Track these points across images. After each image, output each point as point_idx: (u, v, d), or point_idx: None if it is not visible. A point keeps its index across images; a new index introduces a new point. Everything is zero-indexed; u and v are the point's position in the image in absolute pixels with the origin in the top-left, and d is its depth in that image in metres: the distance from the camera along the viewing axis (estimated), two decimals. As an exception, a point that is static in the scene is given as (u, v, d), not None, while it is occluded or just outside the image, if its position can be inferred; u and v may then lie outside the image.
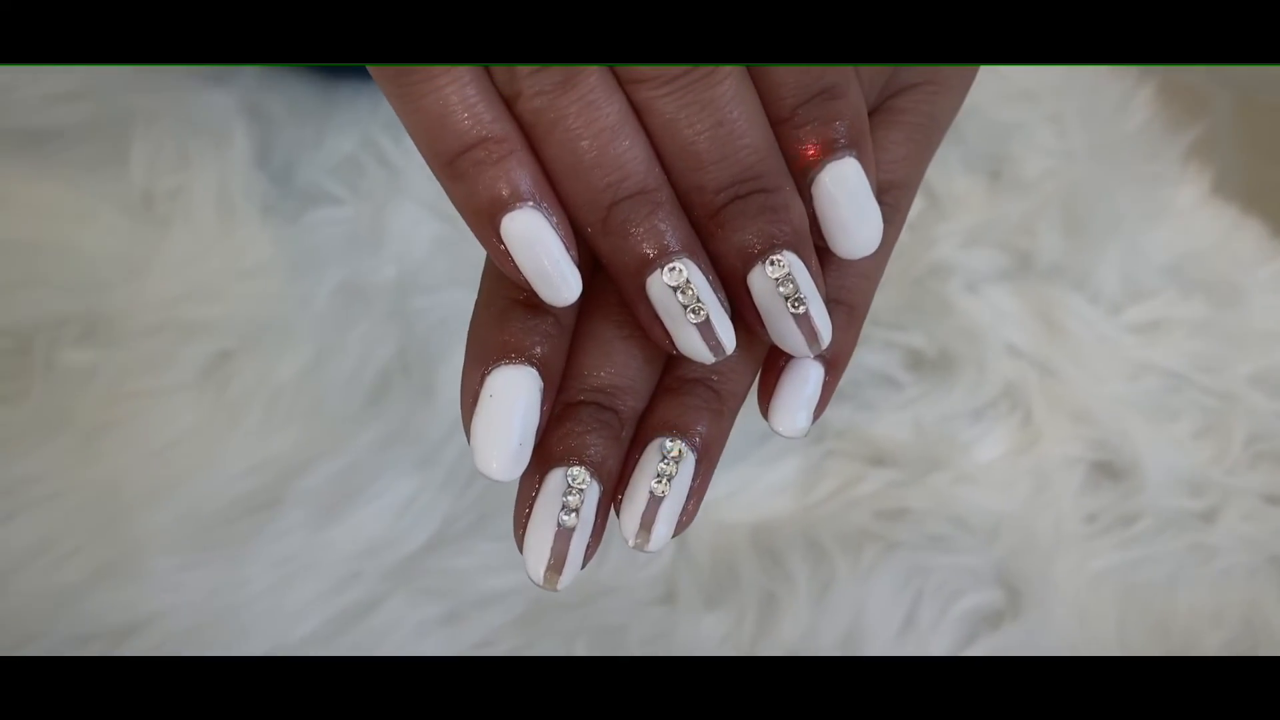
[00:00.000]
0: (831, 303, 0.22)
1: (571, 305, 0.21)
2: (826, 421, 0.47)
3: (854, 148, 0.20)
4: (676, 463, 0.21)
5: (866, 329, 0.50)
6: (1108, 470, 0.47)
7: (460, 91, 0.19)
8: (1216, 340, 0.51)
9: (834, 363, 0.22)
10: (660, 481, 0.21)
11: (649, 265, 0.20)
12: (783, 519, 0.45)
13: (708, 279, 0.20)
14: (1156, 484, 0.46)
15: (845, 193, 0.20)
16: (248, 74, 0.57)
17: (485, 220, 0.19)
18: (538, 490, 0.21)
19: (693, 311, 0.20)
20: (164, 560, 0.42)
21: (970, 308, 0.50)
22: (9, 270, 0.49)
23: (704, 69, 0.19)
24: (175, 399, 0.46)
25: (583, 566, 0.21)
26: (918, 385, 0.49)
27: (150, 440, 0.45)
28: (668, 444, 0.21)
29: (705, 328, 0.20)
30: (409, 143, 0.55)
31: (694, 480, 0.22)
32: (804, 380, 0.22)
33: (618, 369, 0.21)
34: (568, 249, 0.20)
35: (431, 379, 0.48)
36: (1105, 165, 0.56)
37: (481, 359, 0.21)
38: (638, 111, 0.19)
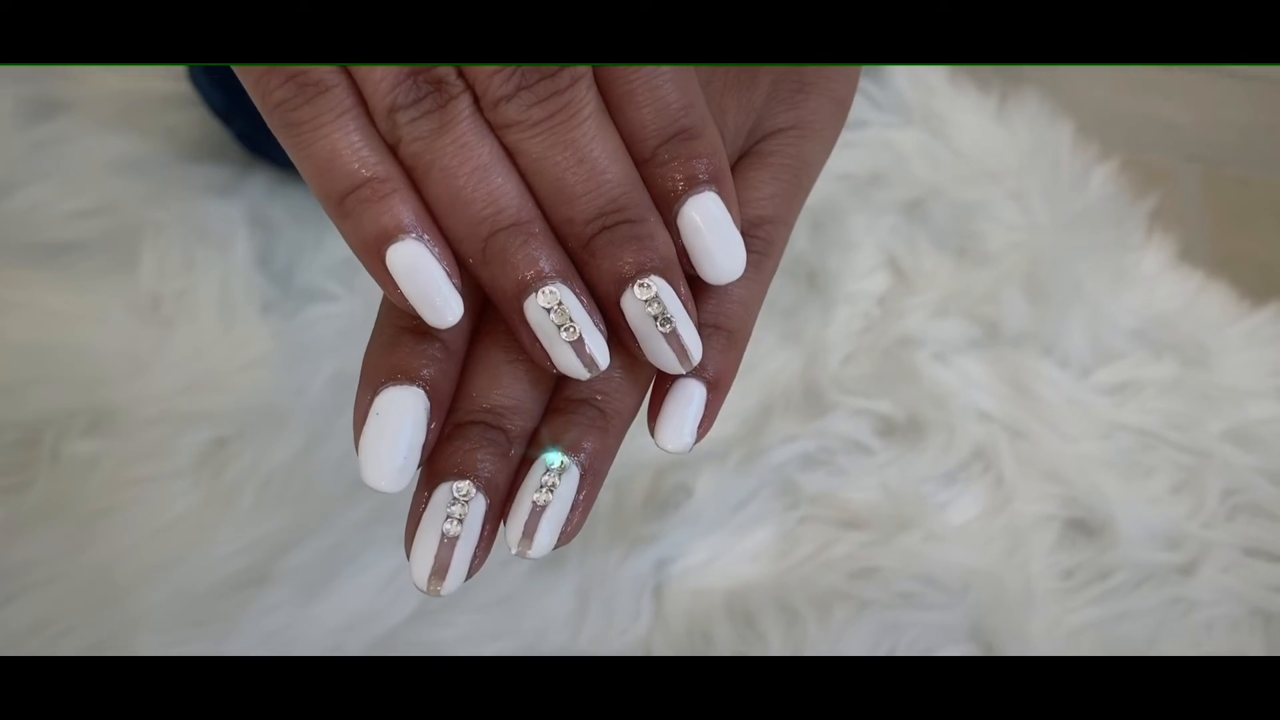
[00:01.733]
0: (710, 328, 0.23)
1: (459, 331, 0.22)
2: (800, 488, 0.48)
3: (714, 183, 0.22)
4: (560, 475, 0.22)
5: (837, 398, 0.51)
6: (1082, 527, 0.48)
7: (347, 138, 0.21)
8: (1187, 399, 0.52)
9: (715, 383, 0.24)
10: (543, 491, 0.22)
11: (525, 289, 0.21)
12: (757, 583, 0.46)
13: (580, 300, 0.22)
14: (1132, 539, 0.46)
15: (709, 222, 0.22)
16: (255, 185, 0.61)
17: (372, 252, 0.21)
18: (425, 504, 0.22)
19: (566, 330, 0.21)
20: (154, 637, 0.44)
21: (939, 376, 0.52)
22: (24, 369, 0.52)
23: (566, 111, 0.21)
24: (172, 485, 0.48)
25: (467, 577, 0.23)
26: (888, 450, 0.50)
27: (146, 524, 0.47)
28: (550, 457, 0.22)
29: (579, 345, 0.21)
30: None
31: (579, 494, 0.23)
32: (688, 400, 0.23)
33: (505, 391, 0.23)
34: (449, 275, 0.21)
35: (416, 459, 0.49)
36: (1068, 235, 0.58)
37: (371, 381, 0.22)
38: (509, 154, 0.21)
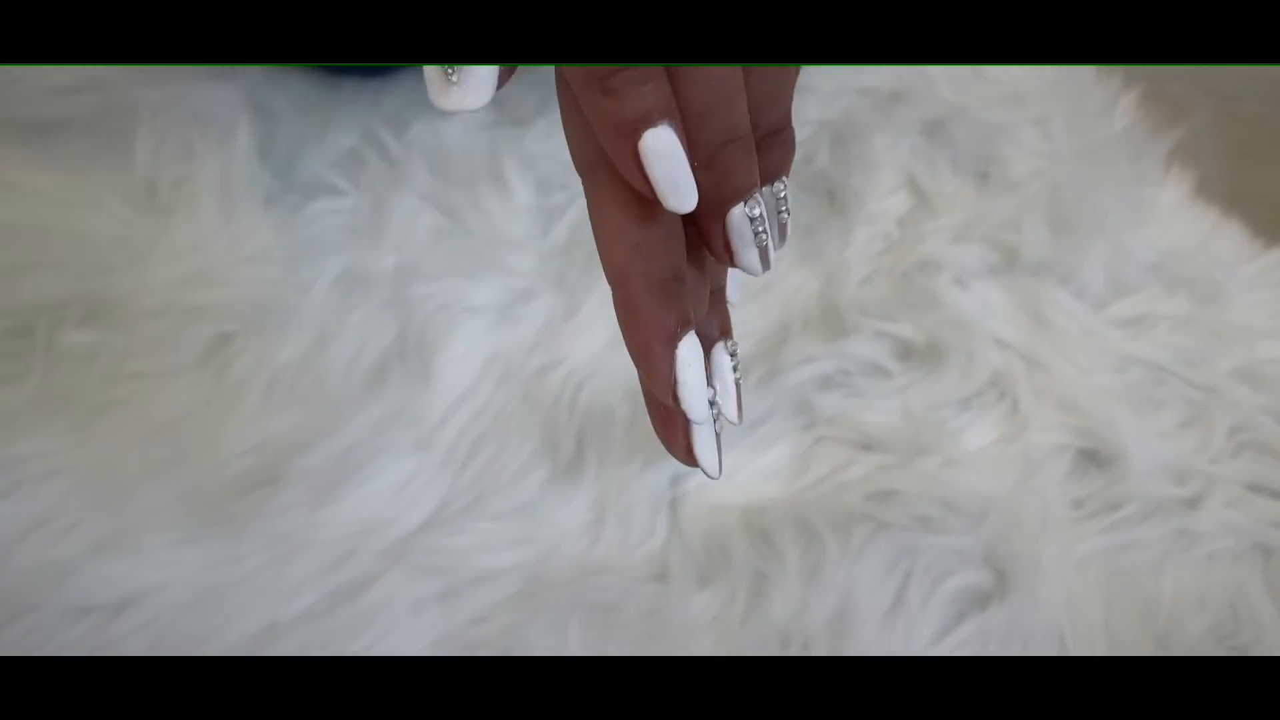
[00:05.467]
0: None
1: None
2: (817, 408, 0.48)
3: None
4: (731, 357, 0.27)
5: (857, 319, 0.51)
6: (1094, 458, 0.48)
7: None
8: (1199, 335, 0.52)
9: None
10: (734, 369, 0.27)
11: (740, 195, 0.24)
12: (774, 501, 0.46)
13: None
14: (1141, 472, 0.47)
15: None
16: (252, 70, 0.58)
17: (627, 132, 0.23)
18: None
19: (759, 236, 0.25)
20: (160, 536, 0.43)
21: (959, 301, 0.51)
22: (11, 254, 0.49)
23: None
24: (176, 380, 0.47)
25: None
26: (907, 374, 0.49)
27: (150, 420, 0.46)
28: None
29: (764, 250, 0.25)
30: (410, 136, 0.56)
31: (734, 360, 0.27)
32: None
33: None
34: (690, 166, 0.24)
35: (429, 364, 0.48)
36: (1089, 166, 0.57)
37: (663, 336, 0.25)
38: None
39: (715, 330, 0.28)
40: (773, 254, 0.26)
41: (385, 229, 0.52)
